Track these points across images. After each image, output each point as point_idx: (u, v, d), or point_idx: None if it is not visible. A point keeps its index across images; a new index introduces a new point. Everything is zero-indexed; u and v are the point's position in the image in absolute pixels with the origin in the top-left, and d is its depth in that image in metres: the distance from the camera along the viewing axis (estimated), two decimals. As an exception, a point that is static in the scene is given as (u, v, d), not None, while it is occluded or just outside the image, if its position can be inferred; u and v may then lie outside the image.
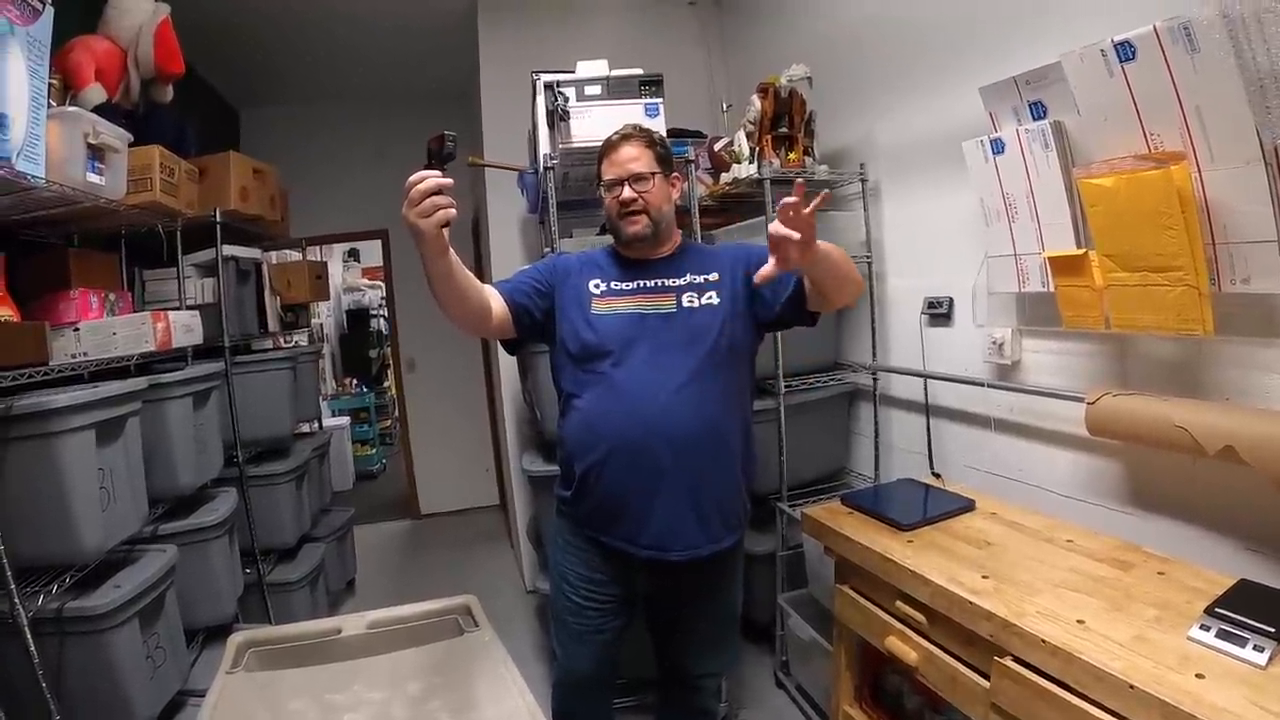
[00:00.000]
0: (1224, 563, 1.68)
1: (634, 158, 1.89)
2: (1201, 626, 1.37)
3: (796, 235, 1.50)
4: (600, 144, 1.99)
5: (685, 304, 1.89)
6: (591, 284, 1.94)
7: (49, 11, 1.84)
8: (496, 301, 1.85)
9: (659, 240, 1.95)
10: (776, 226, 1.53)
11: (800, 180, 1.53)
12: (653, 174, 1.89)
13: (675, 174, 1.99)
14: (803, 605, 2.87)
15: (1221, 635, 1.33)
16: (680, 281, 1.92)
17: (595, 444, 1.84)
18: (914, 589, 1.79)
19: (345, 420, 7.60)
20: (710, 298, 1.90)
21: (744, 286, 1.91)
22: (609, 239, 2.06)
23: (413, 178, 1.45)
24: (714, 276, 1.93)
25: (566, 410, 1.95)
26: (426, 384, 6.10)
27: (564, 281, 1.96)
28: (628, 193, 1.88)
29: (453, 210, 1.48)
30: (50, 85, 1.96)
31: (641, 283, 1.93)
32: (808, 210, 1.48)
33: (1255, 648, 1.27)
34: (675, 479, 1.80)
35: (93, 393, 2.03)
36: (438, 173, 1.46)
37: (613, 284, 1.94)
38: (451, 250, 1.59)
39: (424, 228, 1.47)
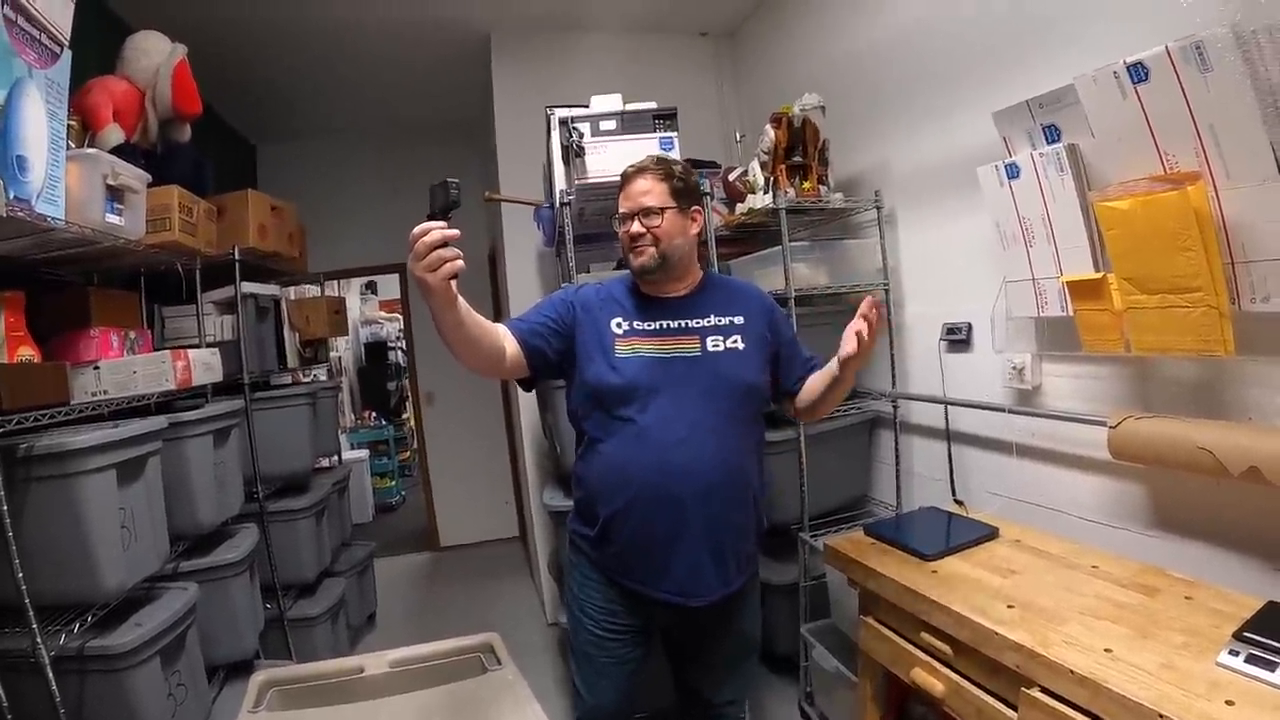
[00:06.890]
0: (1251, 585, 1.66)
1: (645, 191, 1.85)
2: (1230, 652, 1.34)
3: (854, 351, 1.69)
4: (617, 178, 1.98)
5: (710, 348, 1.86)
6: (613, 323, 1.89)
7: (67, 54, 1.86)
8: (510, 344, 1.81)
9: (669, 273, 1.90)
10: (850, 338, 1.70)
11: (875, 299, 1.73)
12: (664, 209, 1.83)
13: (696, 207, 1.92)
14: (826, 636, 2.83)
15: (1251, 660, 1.30)
16: (704, 323, 1.89)
17: (621, 490, 1.81)
18: (939, 620, 1.77)
19: (364, 453, 7.61)
20: (735, 342, 1.88)
21: (769, 340, 1.93)
22: (626, 272, 2.03)
23: (416, 230, 1.40)
24: (739, 320, 1.91)
25: (588, 452, 1.90)
26: (445, 416, 6.09)
27: (582, 320, 1.90)
28: (636, 227, 1.84)
29: (460, 262, 1.44)
30: (69, 127, 1.99)
31: (664, 323, 1.89)
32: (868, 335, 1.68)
33: (1286, 673, 1.25)
34: (698, 527, 1.78)
35: (113, 432, 2.04)
36: (442, 224, 1.41)
37: (634, 323, 1.89)
38: (460, 299, 1.57)
39: (431, 282, 1.44)
